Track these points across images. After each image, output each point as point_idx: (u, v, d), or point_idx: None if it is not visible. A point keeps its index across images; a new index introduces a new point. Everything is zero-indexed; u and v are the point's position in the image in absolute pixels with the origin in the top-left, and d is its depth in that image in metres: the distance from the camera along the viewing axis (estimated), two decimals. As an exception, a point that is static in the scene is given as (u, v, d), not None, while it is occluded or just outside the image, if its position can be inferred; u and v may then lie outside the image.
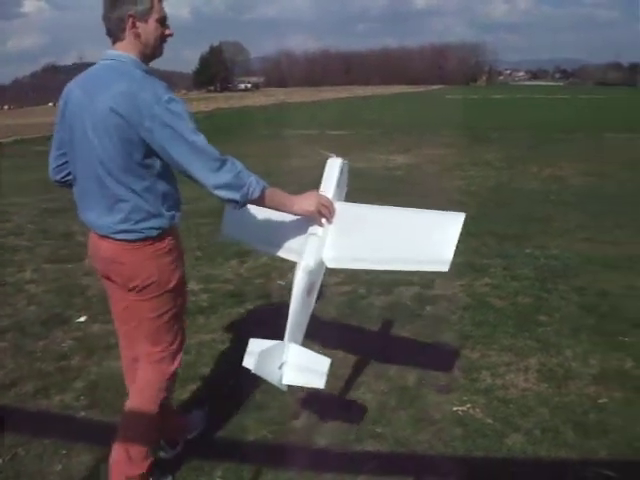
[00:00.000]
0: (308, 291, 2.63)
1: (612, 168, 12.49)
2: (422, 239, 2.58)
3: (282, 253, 2.86)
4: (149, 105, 2.16)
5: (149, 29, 2.34)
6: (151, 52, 2.40)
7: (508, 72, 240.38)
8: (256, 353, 2.39)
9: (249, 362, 2.45)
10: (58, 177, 2.62)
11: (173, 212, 2.43)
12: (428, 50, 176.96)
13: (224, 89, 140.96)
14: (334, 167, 2.93)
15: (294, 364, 2.44)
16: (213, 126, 21.61)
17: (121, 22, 2.30)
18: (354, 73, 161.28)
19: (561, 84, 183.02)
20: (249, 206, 2.44)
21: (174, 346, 2.64)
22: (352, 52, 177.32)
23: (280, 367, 2.42)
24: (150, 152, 2.26)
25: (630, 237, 7.07)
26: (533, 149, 15.93)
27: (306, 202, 2.56)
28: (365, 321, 4.75)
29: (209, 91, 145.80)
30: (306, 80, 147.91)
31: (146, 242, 2.38)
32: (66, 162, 2.53)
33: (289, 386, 2.46)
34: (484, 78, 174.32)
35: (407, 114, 32.90)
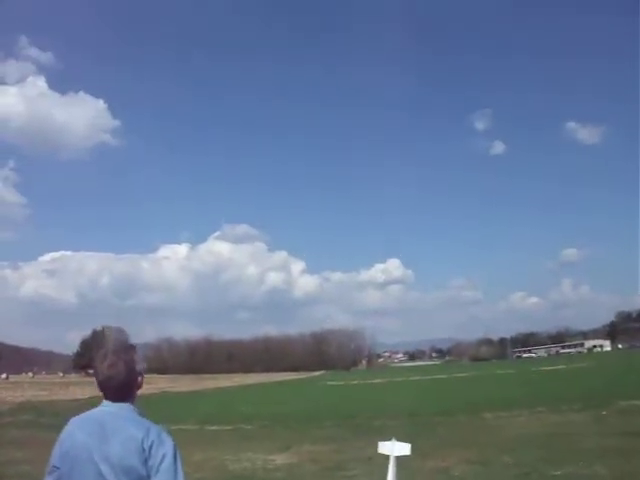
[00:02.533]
0: None
1: (494, 452, 12.54)
2: None
3: None
4: (154, 446, 2.68)
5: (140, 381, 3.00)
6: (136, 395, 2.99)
7: (387, 354, 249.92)
8: None
9: None
10: None
11: None
12: (308, 337, 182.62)
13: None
14: None
15: None
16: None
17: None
18: (236, 360, 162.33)
19: (438, 363, 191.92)
20: None
21: None
22: (234, 340, 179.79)
23: None
24: None
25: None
26: (414, 439, 15.74)
27: None
28: None
29: (88, 374, 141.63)
30: (188, 367, 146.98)
31: None
32: None
33: None
34: (364, 362, 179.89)
35: (288, 404, 32.52)
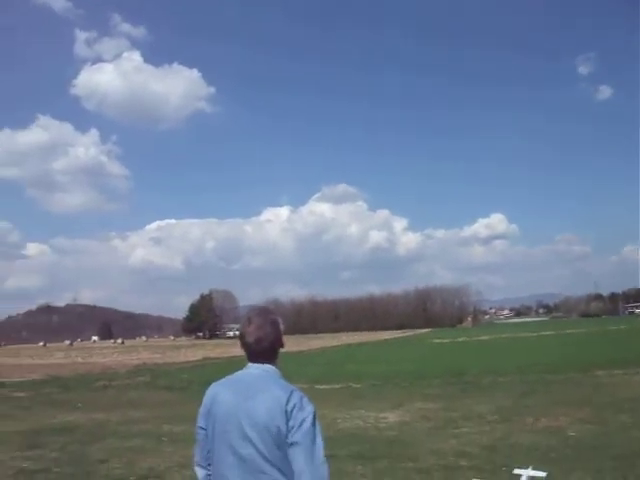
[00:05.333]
0: None
1: (610, 412, 12.21)
2: None
3: None
4: (296, 409, 2.75)
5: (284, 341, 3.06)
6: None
7: (493, 311, 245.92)
8: None
9: None
10: (205, 464, 3.00)
11: None
12: (413, 294, 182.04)
13: (213, 336, 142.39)
14: None
15: None
16: (203, 378, 20.82)
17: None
18: (342, 320, 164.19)
19: (545, 319, 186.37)
20: None
21: None
22: (339, 299, 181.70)
23: None
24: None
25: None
26: (525, 396, 15.62)
27: None
28: None
29: (198, 337, 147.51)
30: (294, 328, 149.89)
31: None
32: (208, 452, 2.94)
33: None
34: (469, 319, 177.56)
35: (396, 362, 32.63)
